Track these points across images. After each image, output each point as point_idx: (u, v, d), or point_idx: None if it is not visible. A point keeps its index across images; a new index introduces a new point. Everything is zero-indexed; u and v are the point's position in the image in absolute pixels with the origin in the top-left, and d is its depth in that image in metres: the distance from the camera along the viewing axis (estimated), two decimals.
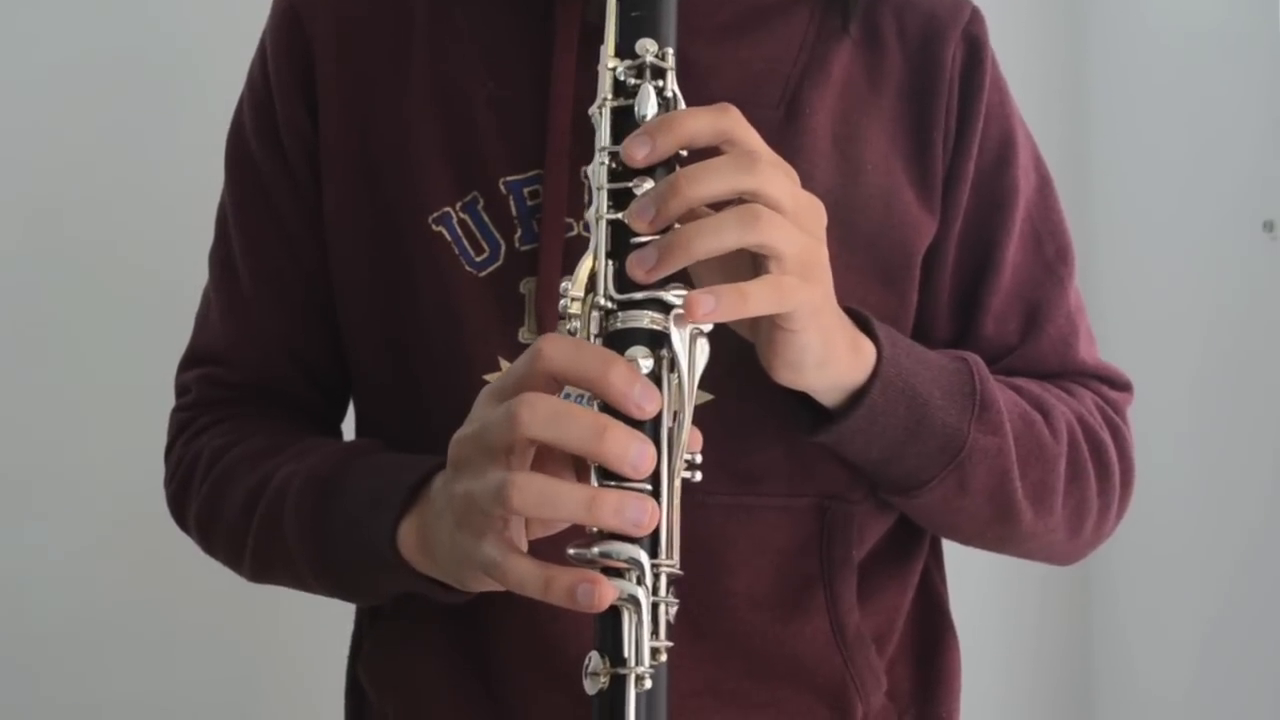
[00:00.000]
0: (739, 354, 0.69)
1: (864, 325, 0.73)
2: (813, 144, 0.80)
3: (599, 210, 0.63)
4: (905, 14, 0.85)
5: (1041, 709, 2.07)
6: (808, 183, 0.72)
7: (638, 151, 0.62)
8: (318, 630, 1.21)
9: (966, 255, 0.84)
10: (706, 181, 0.61)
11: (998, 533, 0.81)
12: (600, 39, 0.67)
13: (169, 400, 0.92)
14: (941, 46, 0.84)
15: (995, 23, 0.89)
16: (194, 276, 0.93)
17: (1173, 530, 1.89)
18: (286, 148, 0.84)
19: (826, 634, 0.80)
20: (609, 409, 0.59)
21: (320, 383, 0.89)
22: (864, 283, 0.80)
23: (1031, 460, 0.78)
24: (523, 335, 0.77)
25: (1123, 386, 0.90)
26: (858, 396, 0.72)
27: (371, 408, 0.87)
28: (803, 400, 0.73)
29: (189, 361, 0.91)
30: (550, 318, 0.75)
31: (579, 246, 0.74)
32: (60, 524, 1.51)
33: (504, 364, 0.77)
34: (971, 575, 0.89)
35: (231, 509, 0.81)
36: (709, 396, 0.76)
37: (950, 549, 0.89)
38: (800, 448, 0.76)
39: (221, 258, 0.89)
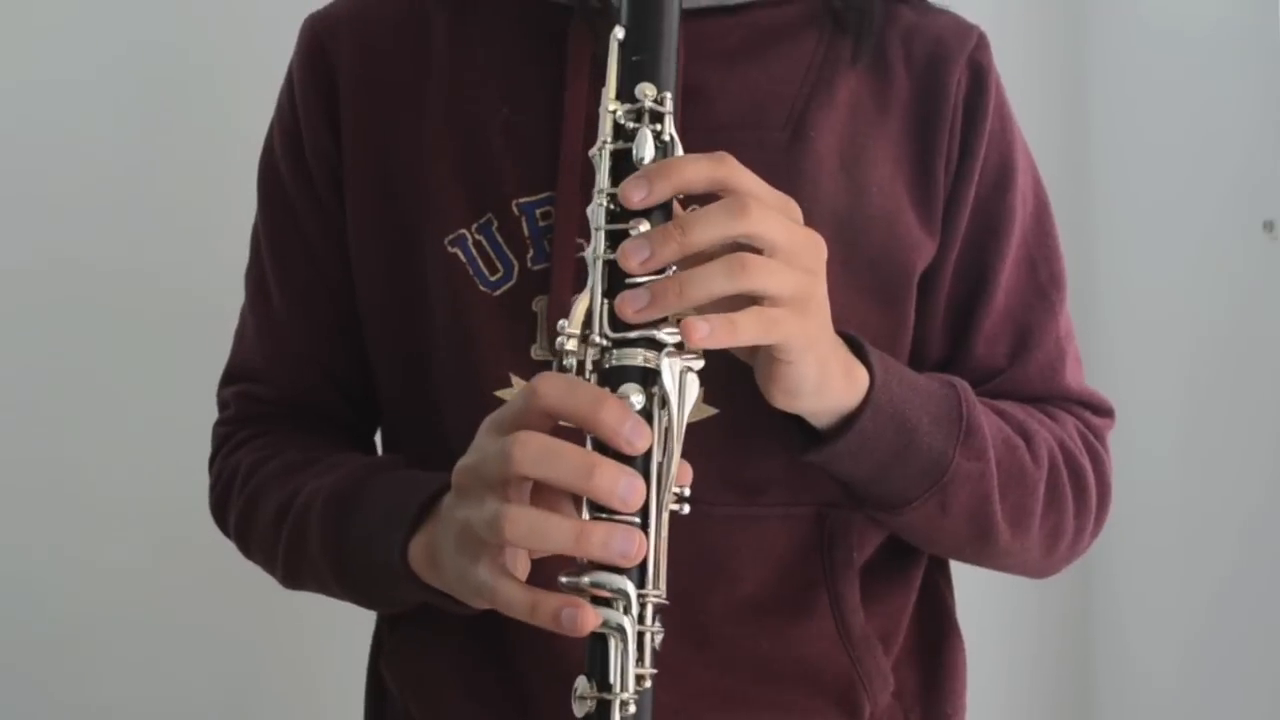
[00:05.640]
0: (741, 370, 0.71)
1: (858, 350, 0.74)
2: (817, 165, 0.81)
3: (596, 250, 0.64)
4: (912, 39, 0.86)
5: (1042, 707, 2.07)
6: (811, 204, 0.72)
7: (635, 194, 0.63)
8: (334, 632, 1.24)
9: (962, 278, 0.86)
10: (700, 230, 0.62)
11: (975, 549, 0.83)
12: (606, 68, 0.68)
13: (192, 413, 0.94)
14: (946, 72, 0.84)
15: (995, 23, 0.89)
16: (234, 296, 0.95)
17: (1172, 529, 1.88)
18: (312, 170, 0.86)
19: (832, 635, 0.82)
20: (602, 444, 0.61)
21: (350, 396, 0.91)
22: (864, 302, 0.81)
23: (1012, 484, 0.80)
24: (535, 352, 0.79)
25: (1105, 413, 0.91)
26: (849, 420, 0.73)
27: (394, 420, 0.90)
28: (795, 420, 0.75)
29: (228, 378, 0.94)
30: None
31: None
32: (66, 525, 1.53)
33: (516, 380, 0.79)
34: (972, 576, 0.91)
35: (264, 521, 0.85)
36: (713, 411, 0.78)
37: None
38: (800, 459, 0.78)
39: (255, 278, 0.92)
